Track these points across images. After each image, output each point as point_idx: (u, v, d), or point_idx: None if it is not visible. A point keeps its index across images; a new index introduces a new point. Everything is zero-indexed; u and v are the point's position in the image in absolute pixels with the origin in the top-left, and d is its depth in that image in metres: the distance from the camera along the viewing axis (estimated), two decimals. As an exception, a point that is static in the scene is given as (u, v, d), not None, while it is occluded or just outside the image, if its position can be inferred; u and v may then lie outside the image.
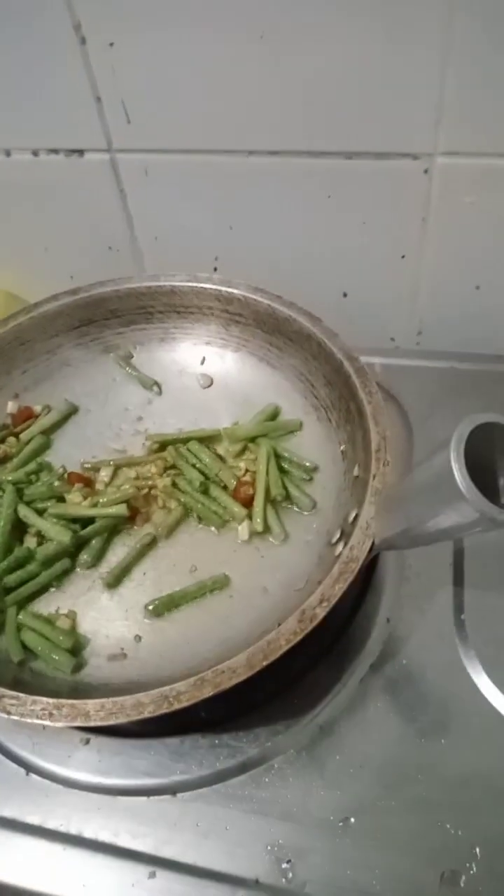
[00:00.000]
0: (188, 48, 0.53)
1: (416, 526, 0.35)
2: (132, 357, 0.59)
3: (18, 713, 0.36)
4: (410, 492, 0.36)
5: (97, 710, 0.35)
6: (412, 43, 0.49)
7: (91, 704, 0.36)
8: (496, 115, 0.52)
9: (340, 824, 0.40)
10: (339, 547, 0.42)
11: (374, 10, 0.48)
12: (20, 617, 0.45)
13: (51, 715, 0.36)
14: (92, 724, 0.35)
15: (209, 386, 0.57)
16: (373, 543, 0.39)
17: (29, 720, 0.36)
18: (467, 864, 0.38)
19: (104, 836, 0.41)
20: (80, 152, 0.62)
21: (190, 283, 0.56)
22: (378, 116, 0.54)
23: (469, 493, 0.30)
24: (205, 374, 0.58)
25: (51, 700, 0.36)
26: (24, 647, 0.43)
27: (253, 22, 0.51)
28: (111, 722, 0.35)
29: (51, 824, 0.42)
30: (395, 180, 0.58)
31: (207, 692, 0.35)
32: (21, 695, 0.36)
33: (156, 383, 0.58)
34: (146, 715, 0.35)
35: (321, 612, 0.37)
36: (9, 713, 0.36)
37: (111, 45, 0.54)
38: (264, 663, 0.36)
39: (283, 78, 0.53)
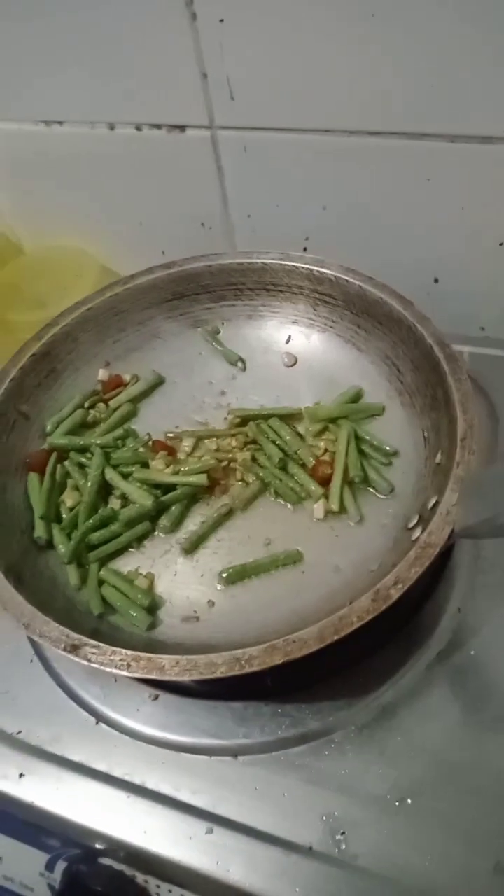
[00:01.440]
0: (296, 26, 0.53)
1: (497, 516, 0.35)
2: (219, 332, 0.60)
3: (98, 661, 0.38)
4: (493, 483, 0.35)
5: (172, 666, 0.37)
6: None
7: (167, 660, 0.37)
8: None
9: (396, 803, 0.40)
10: (417, 532, 0.42)
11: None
12: (102, 573, 0.47)
13: (129, 666, 0.38)
14: (166, 678, 0.37)
15: (293, 365, 0.58)
16: (452, 530, 0.39)
17: (108, 669, 0.38)
18: (523, 858, 0.38)
19: (165, 789, 0.43)
20: (182, 128, 0.63)
21: (282, 262, 0.56)
22: (485, 99, 0.52)
23: None
24: (289, 352, 0.58)
25: (129, 652, 0.38)
26: (104, 601, 0.46)
27: (361, 5, 0.50)
28: (184, 678, 0.37)
29: (116, 772, 0.44)
30: (500, 165, 0.56)
31: (278, 659, 0.36)
32: (102, 644, 0.38)
33: (241, 359, 0.59)
34: (218, 675, 0.36)
35: (395, 594, 0.37)
36: (89, 661, 0.38)
37: (221, 21, 0.55)
38: (335, 637, 0.36)
39: (390, 58, 0.53)
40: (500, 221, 0.60)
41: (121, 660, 0.38)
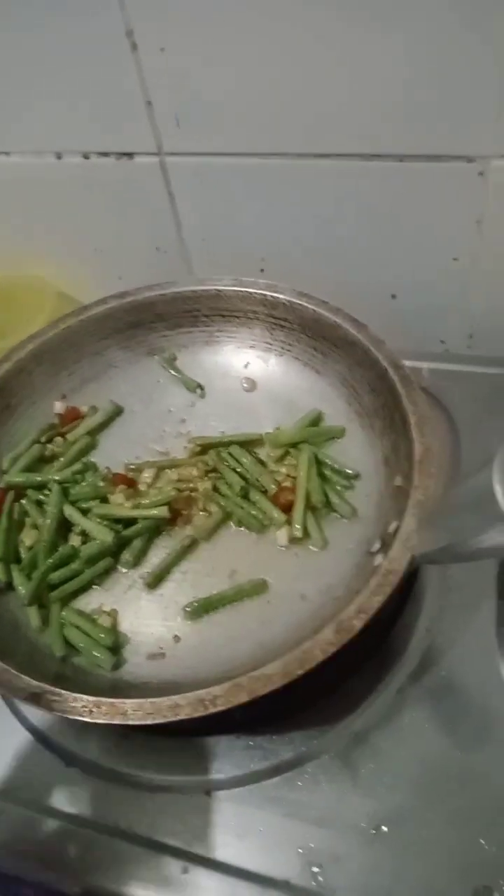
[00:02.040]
0: (238, 53, 0.54)
1: (457, 544, 0.35)
2: (176, 359, 0.60)
3: (60, 709, 0.37)
4: (453, 509, 0.36)
5: (135, 710, 0.36)
6: (468, 43, 0.48)
7: (129, 704, 0.37)
8: None
9: (373, 832, 0.40)
10: (379, 557, 0.42)
11: (429, 9, 0.48)
12: (64, 613, 0.46)
13: (91, 712, 0.37)
14: (130, 723, 0.36)
15: (252, 389, 0.58)
16: (412, 557, 0.39)
17: (69, 717, 0.37)
18: (501, 882, 0.37)
19: (140, 830, 0.42)
20: (130, 155, 0.63)
21: (235, 288, 0.56)
22: (432, 118, 0.53)
23: (512, 515, 0.29)
24: (248, 377, 0.58)
25: (91, 698, 0.37)
26: (67, 643, 0.45)
27: (306, 25, 0.50)
28: (148, 722, 0.36)
29: (88, 815, 0.43)
30: (449, 182, 0.57)
31: (243, 698, 0.36)
32: (63, 692, 0.38)
33: (199, 386, 0.58)
34: (182, 717, 0.36)
35: (358, 624, 0.37)
36: (51, 709, 0.37)
37: (162, 50, 0.55)
38: (299, 672, 0.36)
39: (335, 80, 0.53)
40: (453, 236, 0.60)
41: (83, 706, 0.37)
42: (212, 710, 0.36)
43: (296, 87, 0.54)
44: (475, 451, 0.55)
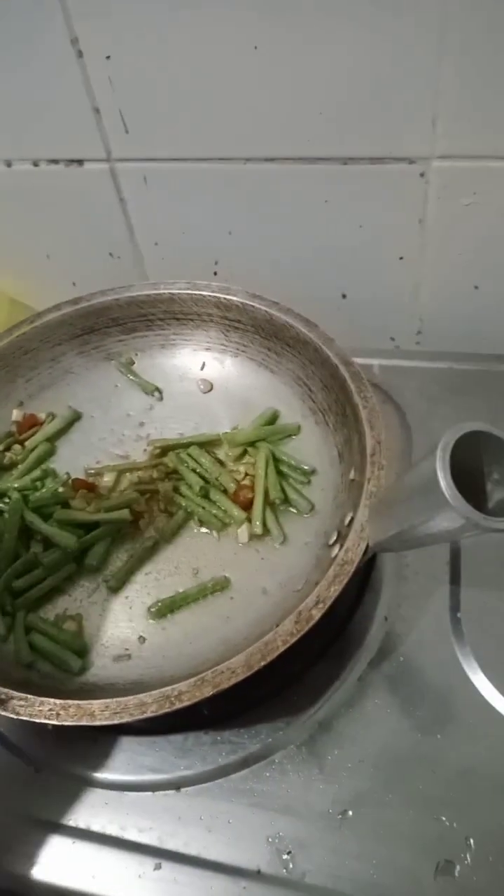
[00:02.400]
0: (183, 59, 0.54)
1: (407, 530, 0.36)
2: (133, 364, 0.60)
3: (27, 713, 0.38)
4: (401, 497, 0.37)
5: (102, 710, 0.37)
6: (406, 47, 0.50)
7: (96, 705, 0.37)
8: (492, 117, 0.52)
9: (339, 817, 0.41)
10: (336, 548, 0.43)
11: (367, 15, 0.49)
12: (28, 620, 0.46)
13: (58, 715, 0.37)
14: (97, 723, 0.37)
15: (209, 391, 0.59)
16: (367, 546, 0.40)
17: (37, 720, 0.37)
18: (462, 855, 0.39)
19: (112, 830, 0.42)
20: (80, 162, 0.63)
21: (189, 291, 0.57)
22: (373, 121, 0.55)
23: (454, 500, 0.31)
24: (205, 379, 0.59)
25: (57, 701, 0.37)
26: (33, 649, 0.45)
27: (247, 32, 0.52)
28: (115, 721, 0.37)
29: (59, 819, 0.43)
30: (392, 184, 0.58)
31: (208, 692, 0.36)
32: (29, 696, 0.38)
33: (157, 389, 0.59)
34: (149, 714, 0.36)
35: (317, 614, 0.38)
36: (17, 714, 0.38)
37: (108, 57, 0.55)
38: (262, 664, 0.37)
39: (278, 86, 0.54)
40: (397, 236, 0.62)
41: (49, 710, 0.37)
42: (178, 705, 0.36)
43: (240, 93, 0.55)
44: (425, 443, 0.57)
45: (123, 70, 0.56)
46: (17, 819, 0.44)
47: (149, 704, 0.37)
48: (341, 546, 0.41)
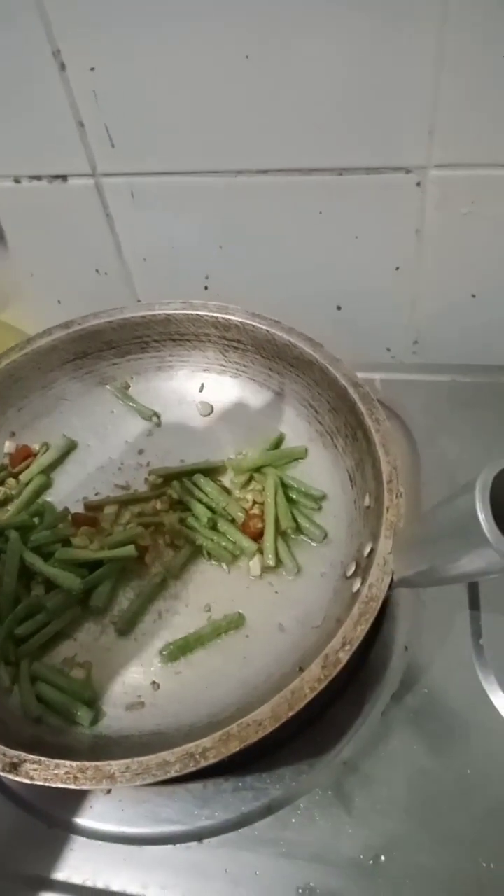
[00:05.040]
0: (170, 70, 0.52)
1: (437, 567, 0.35)
2: (129, 388, 0.58)
3: (42, 778, 0.35)
4: (431, 533, 0.35)
5: (122, 772, 0.35)
6: (403, 56, 0.48)
7: (115, 766, 0.35)
8: (489, 125, 0.51)
9: (371, 863, 0.40)
10: (356, 582, 0.41)
11: (362, 24, 0.47)
12: (34, 669, 0.44)
13: (75, 779, 0.35)
14: (118, 786, 0.35)
15: (209, 414, 0.56)
16: (391, 581, 0.39)
17: (53, 785, 0.35)
18: (502, 899, 0.38)
19: (133, 889, 0.40)
20: (64, 178, 0.61)
21: (186, 311, 0.55)
22: (369, 131, 0.53)
23: (496, 540, 0.29)
24: (204, 401, 0.57)
25: (74, 763, 0.35)
26: (39, 700, 0.42)
27: (238, 42, 0.50)
28: (137, 783, 0.34)
29: (76, 879, 0.41)
30: (388, 194, 0.57)
31: (234, 747, 0.35)
32: (43, 759, 0.36)
33: (155, 414, 0.57)
34: (172, 774, 0.34)
35: (344, 657, 0.37)
36: (31, 779, 0.35)
37: (92, 69, 0.53)
38: (290, 714, 0.35)
39: (270, 97, 0.52)
40: (393, 246, 0.61)
41: (66, 773, 0.35)
42: (203, 763, 0.34)
43: (230, 104, 0.53)
44: (433, 461, 0.55)
45: (108, 82, 0.53)
46: (28, 880, 0.41)
47: (172, 764, 0.34)
48: (364, 581, 0.39)
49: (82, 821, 0.43)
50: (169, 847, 0.41)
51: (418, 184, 0.55)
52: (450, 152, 0.53)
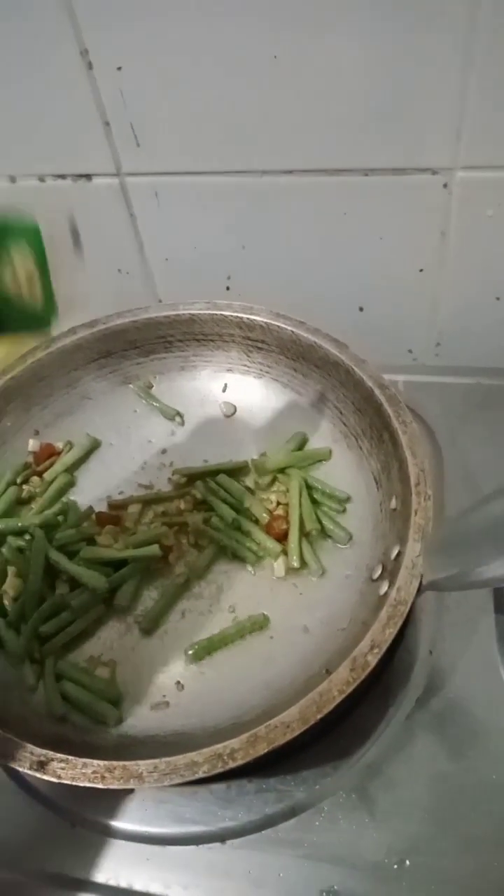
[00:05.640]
0: (197, 70, 0.52)
1: (468, 572, 0.34)
2: (152, 387, 0.58)
3: (69, 777, 0.35)
4: (463, 537, 0.35)
5: (150, 772, 0.35)
6: (430, 57, 0.48)
7: (143, 765, 0.35)
8: (518, 127, 0.51)
9: (395, 867, 0.39)
10: (383, 585, 0.41)
11: (390, 24, 0.47)
12: (58, 667, 0.44)
13: (103, 778, 0.35)
14: (146, 786, 0.35)
15: (233, 414, 0.56)
16: (420, 584, 0.38)
17: (80, 784, 0.35)
18: (530, 905, 0.37)
19: (155, 888, 0.40)
20: (88, 177, 0.61)
21: (210, 311, 0.55)
22: (396, 132, 0.53)
23: (531, 546, 0.29)
24: (227, 402, 0.57)
25: (102, 762, 0.35)
26: (64, 699, 0.42)
27: (265, 43, 0.49)
28: (165, 783, 0.34)
29: (99, 878, 0.41)
30: (414, 195, 0.56)
31: (262, 749, 0.34)
32: (70, 757, 0.36)
33: (178, 413, 0.57)
34: (200, 775, 0.34)
35: (373, 660, 0.36)
36: (59, 777, 0.35)
37: (119, 69, 0.53)
38: (318, 716, 0.35)
39: (297, 97, 0.52)
40: (418, 248, 0.60)
41: (93, 772, 0.35)
42: (231, 764, 0.34)
43: (257, 104, 0.53)
44: (456, 463, 0.55)
45: (135, 82, 0.54)
46: (52, 879, 0.41)
47: (200, 764, 0.34)
48: (391, 583, 0.39)
49: (105, 820, 0.43)
50: (192, 847, 0.41)
51: (445, 185, 0.55)
52: (477, 154, 0.53)
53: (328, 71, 0.50)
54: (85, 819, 0.43)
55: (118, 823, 0.42)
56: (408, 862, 0.39)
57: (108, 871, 0.41)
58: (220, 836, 0.41)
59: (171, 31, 0.50)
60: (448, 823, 0.40)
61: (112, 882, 0.41)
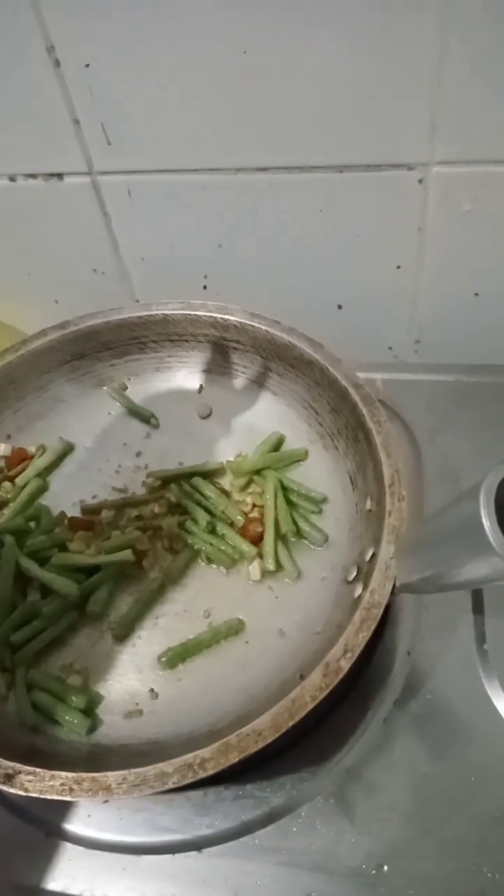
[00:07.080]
0: (167, 66, 0.51)
1: (440, 574, 0.34)
2: (127, 389, 0.57)
3: (37, 790, 0.35)
4: (434, 539, 0.34)
5: (119, 783, 0.34)
6: (404, 51, 0.48)
7: (112, 777, 0.34)
8: (492, 121, 0.50)
9: (373, 872, 0.39)
10: (358, 587, 0.41)
11: (363, 18, 0.46)
12: (29, 676, 0.43)
13: (71, 790, 0.34)
14: (114, 797, 0.34)
15: (208, 415, 0.56)
16: (394, 587, 0.38)
17: (48, 797, 0.34)
18: (507, 909, 0.37)
19: (131, 900, 0.40)
20: (60, 176, 0.60)
21: (184, 311, 0.54)
22: (370, 128, 0.52)
23: (502, 548, 0.28)
24: (203, 402, 0.56)
25: (70, 774, 0.34)
26: (36, 709, 0.42)
27: (236, 37, 0.49)
28: (134, 795, 0.34)
29: (74, 889, 0.40)
30: (389, 191, 0.56)
31: (233, 758, 0.34)
32: (38, 770, 0.35)
33: (153, 415, 0.56)
34: (170, 786, 0.34)
35: (346, 664, 0.36)
36: (27, 790, 0.35)
37: (87, 66, 0.52)
38: (290, 723, 0.34)
39: (269, 93, 0.51)
40: (395, 245, 0.60)
41: (61, 785, 0.34)
42: (202, 774, 0.34)
43: (228, 100, 0.52)
44: (436, 462, 0.54)
45: (104, 79, 0.53)
46: (25, 890, 0.41)
47: (170, 775, 0.34)
48: (365, 586, 0.39)
49: (80, 830, 0.42)
50: (168, 856, 0.41)
51: (420, 181, 0.55)
52: (452, 149, 0.52)
53: (300, 65, 0.50)
54: (59, 829, 0.42)
55: (93, 833, 0.42)
56: (386, 867, 0.39)
57: (82, 881, 0.40)
58: (197, 845, 0.41)
59: (140, 28, 0.49)
60: (427, 827, 0.40)
61: (87, 893, 0.40)
